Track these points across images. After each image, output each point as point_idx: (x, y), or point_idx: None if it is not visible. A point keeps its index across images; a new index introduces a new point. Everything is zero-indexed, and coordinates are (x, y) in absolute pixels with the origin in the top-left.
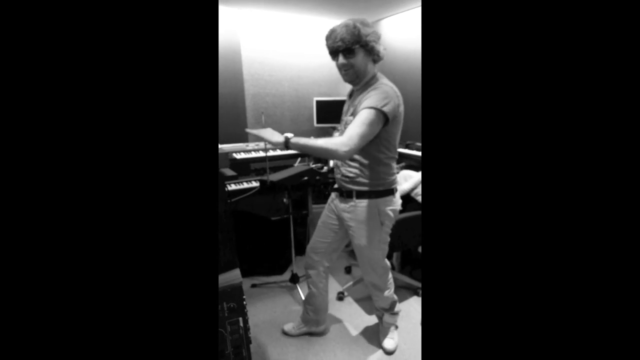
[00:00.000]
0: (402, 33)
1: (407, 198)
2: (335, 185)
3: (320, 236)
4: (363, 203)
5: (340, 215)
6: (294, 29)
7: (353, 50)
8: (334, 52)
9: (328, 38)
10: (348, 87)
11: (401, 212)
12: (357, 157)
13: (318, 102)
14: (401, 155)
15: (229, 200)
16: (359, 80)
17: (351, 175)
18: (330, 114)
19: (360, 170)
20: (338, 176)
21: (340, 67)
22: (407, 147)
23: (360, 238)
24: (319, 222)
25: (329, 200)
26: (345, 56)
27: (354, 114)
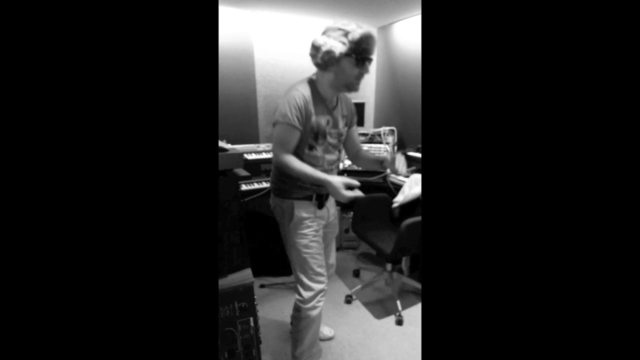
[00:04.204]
0: (413, 37)
1: (417, 202)
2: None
3: (320, 252)
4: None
5: (328, 215)
6: (306, 32)
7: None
8: (365, 59)
9: (365, 41)
10: (360, 90)
11: (410, 216)
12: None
13: None
14: (412, 159)
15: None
16: None
17: None
18: None
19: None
20: None
21: (360, 76)
22: (418, 150)
23: (336, 215)
24: (317, 244)
25: (319, 215)
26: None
27: (348, 124)
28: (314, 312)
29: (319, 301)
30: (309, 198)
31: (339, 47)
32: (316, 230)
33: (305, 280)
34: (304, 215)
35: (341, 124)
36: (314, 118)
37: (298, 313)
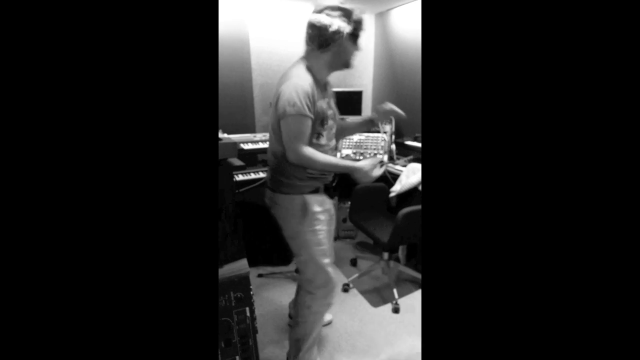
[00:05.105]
0: (411, 24)
1: (414, 192)
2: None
3: (331, 249)
4: None
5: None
6: (303, 18)
7: None
8: (357, 36)
9: (364, 21)
10: (357, 78)
11: (407, 205)
12: None
13: None
14: (409, 148)
15: (236, 191)
16: None
17: None
18: (339, 104)
19: None
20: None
21: (356, 52)
22: (415, 139)
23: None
24: (328, 240)
25: (327, 207)
26: None
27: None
28: (325, 309)
29: (331, 297)
30: (317, 190)
31: (345, 27)
32: (328, 224)
33: (317, 279)
34: (317, 209)
35: (333, 104)
36: (318, 103)
37: (308, 310)
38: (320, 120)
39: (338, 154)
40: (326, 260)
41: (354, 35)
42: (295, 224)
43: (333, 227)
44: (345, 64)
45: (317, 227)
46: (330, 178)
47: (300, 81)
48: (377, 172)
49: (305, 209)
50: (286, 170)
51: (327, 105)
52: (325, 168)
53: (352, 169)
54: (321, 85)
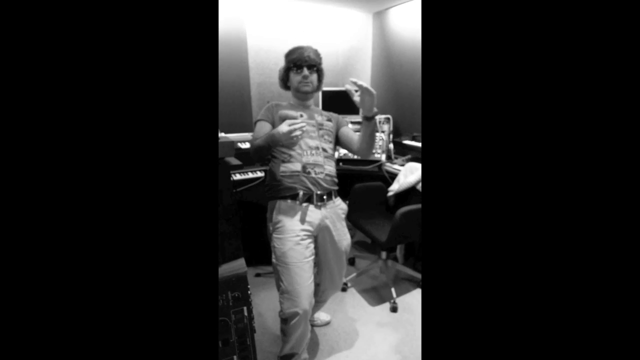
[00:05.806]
0: (410, 23)
1: (412, 191)
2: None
3: (308, 276)
4: (339, 200)
5: (321, 223)
6: (300, 17)
7: (315, 68)
8: (298, 65)
9: (294, 52)
10: (355, 77)
11: (405, 204)
12: (332, 157)
13: (324, 92)
14: (407, 147)
15: (234, 190)
16: (311, 96)
17: (334, 174)
18: (337, 104)
19: (335, 169)
20: (321, 176)
21: (302, 79)
22: (413, 139)
23: (346, 238)
24: (296, 264)
25: (303, 217)
26: (309, 70)
27: (336, 123)
28: (293, 329)
29: (296, 324)
30: (295, 197)
31: (282, 65)
32: (298, 237)
33: (279, 297)
34: (284, 216)
35: (320, 118)
36: (281, 111)
37: (281, 332)
38: (282, 120)
39: (336, 154)
40: (288, 282)
41: (291, 67)
42: (269, 229)
43: (332, 251)
44: (297, 90)
45: (283, 236)
46: (313, 189)
47: (271, 102)
48: (286, 126)
49: (271, 214)
50: (268, 174)
51: (302, 116)
52: (261, 143)
53: (272, 134)
54: (300, 107)
